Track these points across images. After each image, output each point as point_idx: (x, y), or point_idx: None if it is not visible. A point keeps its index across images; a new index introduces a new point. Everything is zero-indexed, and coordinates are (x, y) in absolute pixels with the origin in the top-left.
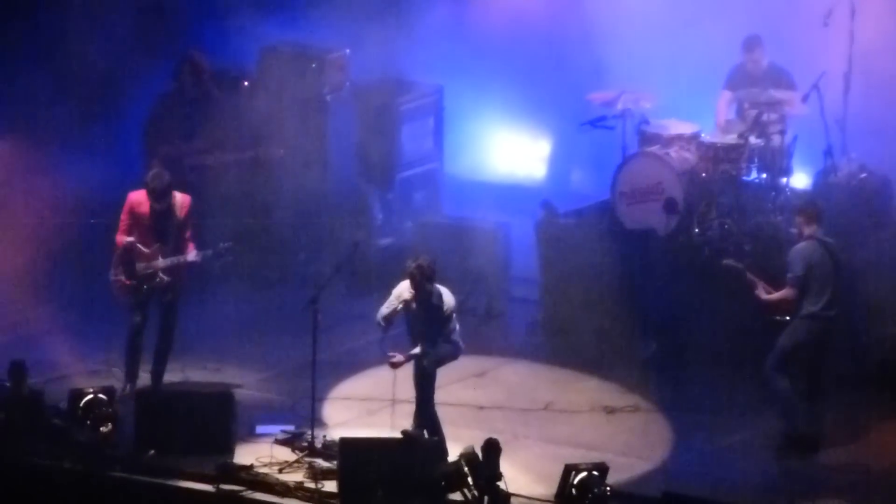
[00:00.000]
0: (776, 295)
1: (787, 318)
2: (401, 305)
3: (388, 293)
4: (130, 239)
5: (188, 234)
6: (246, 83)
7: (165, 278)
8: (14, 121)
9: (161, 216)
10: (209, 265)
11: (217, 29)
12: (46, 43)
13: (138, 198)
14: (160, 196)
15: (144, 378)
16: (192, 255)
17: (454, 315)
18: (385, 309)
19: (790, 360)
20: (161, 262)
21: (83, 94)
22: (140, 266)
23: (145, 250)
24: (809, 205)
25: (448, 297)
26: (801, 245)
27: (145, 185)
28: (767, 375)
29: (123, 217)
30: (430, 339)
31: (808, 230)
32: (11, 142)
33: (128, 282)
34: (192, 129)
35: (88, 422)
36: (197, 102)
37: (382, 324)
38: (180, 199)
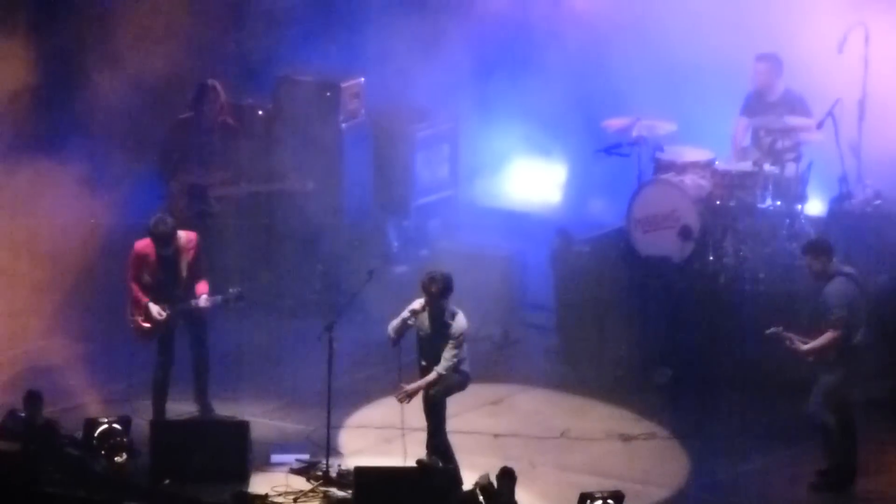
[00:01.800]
0: (820, 341)
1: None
2: (408, 314)
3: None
4: (145, 301)
5: (199, 274)
6: (261, 112)
7: (180, 322)
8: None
9: (168, 262)
10: (220, 308)
11: (234, 57)
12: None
13: (144, 248)
14: (166, 243)
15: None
16: (202, 300)
17: (464, 341)
18: (395, 320)
19: (836, 395)
20: (173, 308)
21: (104, 121)
22: (154, 310)
23: (154, 306)
24: (823, 242)
25: (461, 320)
26: (835, 285)
27: (149, 232)
28: (814, 412)
29: (132, 268)
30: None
31: (830, 267)
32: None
33: (145, 325)
34: (210, 157)
35: (103, 451)
36: (213, 131)
37: (392, 335)
38: (185, 238)
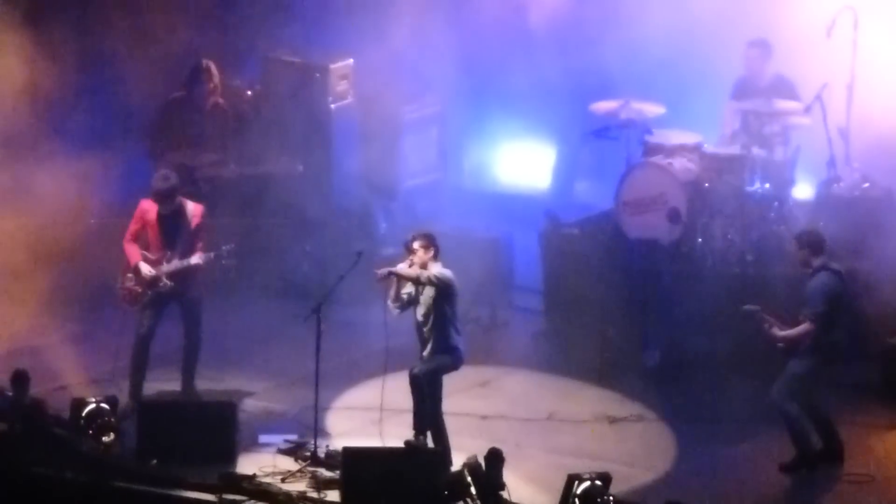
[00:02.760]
0: (795, 331)
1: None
2: (386, 271)
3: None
4: (138, 259)
5: (199, 244)
6: (250, 93)
7: (169, 283)
8: None
9: (169, 222)
10: (214, 267)
11: (222, 38)
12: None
13: (147, 204)
14: (164, 198)
15: (149, 389)
16: (195, 257)
17: (451, 284)
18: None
19: (801, 386)
20: (165, 266)
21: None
22: (143, 269)
23: (151, 256)
24: (814, 235)
25: (448, 273)
26: (819, 280)
27: (151, 186)
28: (776, 401)
29: (132, 223)
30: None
31: (816, 261)
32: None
33: (133, 288)
34: (200, 137)
35: (90, 432)
36: (203, 111)
37: (391, 305)
38: (192, 207)
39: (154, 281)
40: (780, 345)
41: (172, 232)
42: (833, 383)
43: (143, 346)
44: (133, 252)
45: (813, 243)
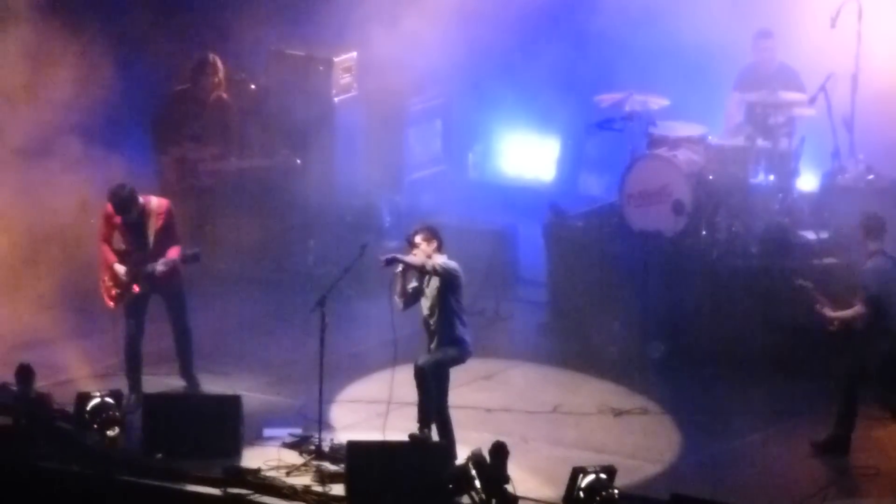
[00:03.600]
0: (847, 312)
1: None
2: (400, 268)
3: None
4: (113, 260)
5: (168, 242)
6: (254, 86)
7: (145, 285)
8: None
9: (134, 227)
10: (179, 269)
11: (227, 31)
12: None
13: (111, 209)
14: (123, 209)
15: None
16: (158, 264)
17: (457, 276)
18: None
19: (866, 371)
20: (137, 270)
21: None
22: (119, 270)
23: (124, 256)
24: (874, 219)
25: (453, 263)
26: (873, 263)
27: (108, 198)
28: (847, 385)
29: (101, 226)
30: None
31: (873, 245)
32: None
33: (112, 289)
34: (202, 131)
35: (95, 425)
36: (207, 104)
37: (397, 299)
38: (156, 204)
39: (129, 283)
40: (831, 327)
41: (140, 234)
42: (838, 373)
43: (134, 345)
44: (107, 253)
45: (870, 227)
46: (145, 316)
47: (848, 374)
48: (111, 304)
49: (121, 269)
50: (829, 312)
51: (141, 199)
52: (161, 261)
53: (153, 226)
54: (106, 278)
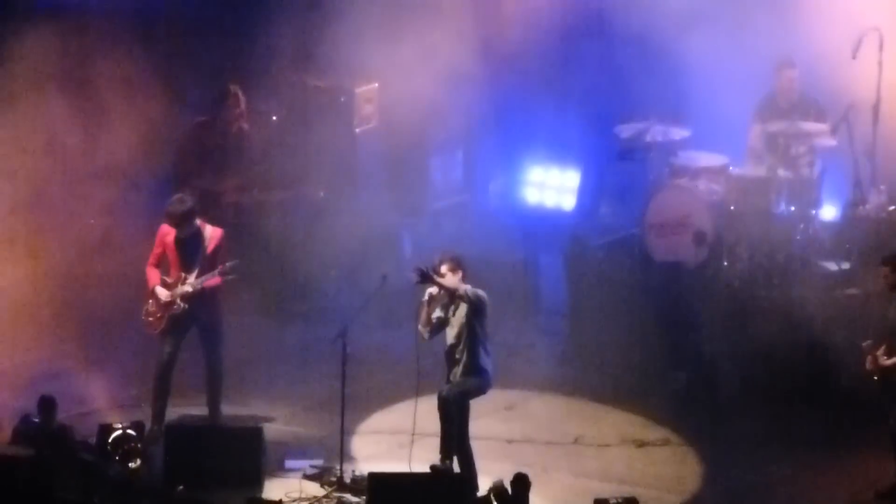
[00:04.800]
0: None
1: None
2: (427, 297)
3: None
4: (156, 283)
5: (218, 268)
6: (275, 118)
7: (182, 305)
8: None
9: (186, 246)
10: (222, 286)
11: (249, 62)
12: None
13: (167, 228)
14: (178, 222)
15: (175, 414)
16: (204, 279)
17: (484, 304)
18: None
19: None
20: (179, 289)
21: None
22: (161, 294)
23: (169, 280)
24: None
25: (480, 292)
26: None
27: (165, 211)
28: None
29: (155, 246)
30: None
31: None
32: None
33: (153, 312)
34: (224, 163)
35: (117, 457)
36: (229, 136)
37: (421, 329)
38: (210, 231)
39: (169, 304)
40: (876, 374)
41: (190, 255)
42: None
43: (165, 374)
44: (153, 276)
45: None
46: (180, 346)
47: None
48: (152, 329)
49: (162, 291)
50: (885, 361)
51: (197, 221)
52: (206, 275)
53: (204, 249)
54: (149, 302)
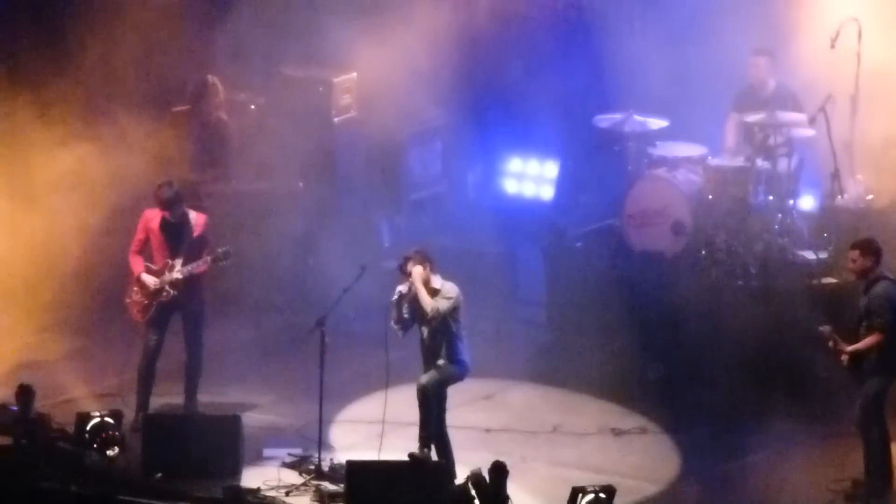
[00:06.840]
0: (864, 343)
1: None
2: (396, 295)
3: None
4: (141, 270)
5: (203, 254)
6: (253, 107)
7: (171, 292)
8: None
9: (173, 231)
10: (213, 272)
11: (227, 52)
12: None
13: (151, 213)
14: (169, 205)
15: (154, 403)
16: (195, 265)
17: (458, 304)
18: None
19: (878, 404)
20: (167, 275)
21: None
22: (147, 280)
23: (154, 267)
24: (875, 243)
25: (450, 287)
26: (882, 288)
27: (154, 195)
28: (865, 426)
29: (137, 233)
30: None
31: (876, 270)
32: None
33: (140, 301)
34: (202, 152)
35: (95, 445)
36: (207, 125)
37: (395, 326)
38: (195, 217)
39: (158, 291)
40: (844, 358)
41: (176, 240)
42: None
43: (150, 361)
44: (137, 263)
45: (877, 251)
46: (165, 334)
47: (876, 413)
48: (138, 316)
49: (149, 279)
50: (846, 346)
51: (184, 205)
52: (198, 262)
53: (189, 234)
54: (134, 290)
